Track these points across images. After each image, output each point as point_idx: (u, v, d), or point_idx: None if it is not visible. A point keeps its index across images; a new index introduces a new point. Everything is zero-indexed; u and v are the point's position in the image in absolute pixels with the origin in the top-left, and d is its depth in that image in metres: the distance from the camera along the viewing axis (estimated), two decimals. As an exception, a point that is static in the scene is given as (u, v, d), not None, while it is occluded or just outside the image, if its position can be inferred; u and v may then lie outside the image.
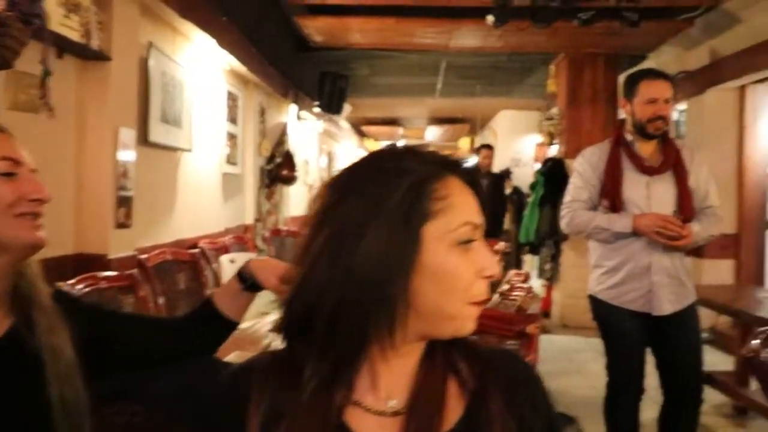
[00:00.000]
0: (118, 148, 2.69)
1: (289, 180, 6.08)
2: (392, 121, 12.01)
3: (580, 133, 5.60)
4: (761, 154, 5.19)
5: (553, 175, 5.56)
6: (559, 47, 5.29)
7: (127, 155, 2.79)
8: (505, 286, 2.47)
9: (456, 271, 0.68)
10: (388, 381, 0.71)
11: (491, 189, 5.82)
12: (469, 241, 0.69)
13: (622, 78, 6.44)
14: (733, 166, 5.18)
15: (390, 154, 0.75)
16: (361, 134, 13.74)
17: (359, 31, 4.96)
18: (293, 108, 6.54)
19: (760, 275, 5.20)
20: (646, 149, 2.37)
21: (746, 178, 5.19)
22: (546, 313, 6.21)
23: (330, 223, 0.68)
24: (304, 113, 7.01)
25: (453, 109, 9.94)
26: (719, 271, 5.16)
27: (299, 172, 7.72)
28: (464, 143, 15.69)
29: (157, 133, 3.29)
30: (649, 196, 2.32)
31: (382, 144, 15.21)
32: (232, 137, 4.97)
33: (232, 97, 4.89)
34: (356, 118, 11.58)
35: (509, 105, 9.30)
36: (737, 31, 4.78)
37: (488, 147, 6.23)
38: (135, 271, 2.64)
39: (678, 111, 6.11)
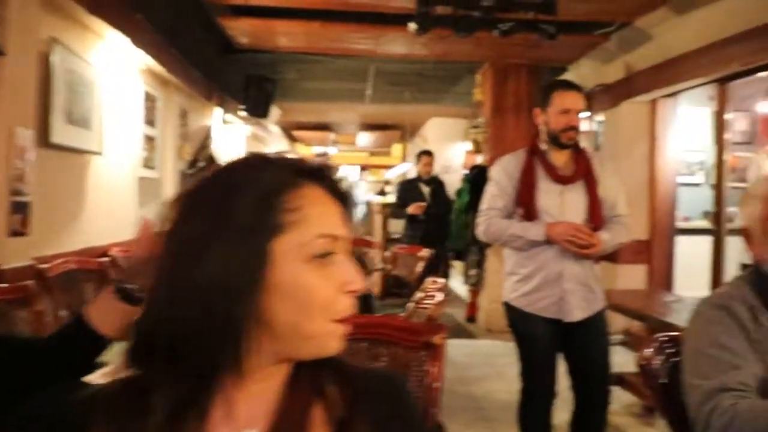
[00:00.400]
0: (12, 149, 2.50)
1: (213, 185, 5.90)
2: (324, 127, 11.94)
3: (504, 141, 5.72)
4: (670, 164, 5.46)
5: (479, 182, 5.63)
6: (484, 57, 5.39)
7: (24, 157, 2.61)
8: (420, 294, 2.46)
9: (312, 288, 0.64)
10: (246, 408, 0.65)
11: (433, 195, 5.92)
12: (326, 255, 0.65)
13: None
14: (645, 176, 5.43)
15: (242, 164, 0.70)
16: (293, 139, 13.59)
17: (285, 35, 4.89)
18: (218, 111, 6.37)
19: (670, 279, 5.46)
20: (560, 159, 2.43)
21: (657, 187, 5.44)
22: (471, 318, 6.30)
23: (173, 241, 0.64)
24: (230, 117, 6.84)
25: (384, 115, 9.99)
26: (633, 276, 5.38)
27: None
28: (396, 150, 15.81)
29: (61, 134, 3.10)
30: (562, 204, 2.38)
31: (314, 149, 15.15)
32: (149, 140, 4.77)
33: (150, 99, 4.70)
34: (287, 123, 11.45)
35: (439, 113, 9.42)
36: (649, 48, 5.01)
37: (428, 153, 6.23)
38: (31, 282, 2.46)
39: (596, 122, 6.36)
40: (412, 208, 5.45)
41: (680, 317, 2.77)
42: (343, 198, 0.69)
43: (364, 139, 12.41)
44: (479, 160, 6.49)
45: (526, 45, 3.95)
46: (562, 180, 2.38)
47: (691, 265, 5.92)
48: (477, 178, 5.67)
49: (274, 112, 9.18)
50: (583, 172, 2.39)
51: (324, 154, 15.02)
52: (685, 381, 1.26)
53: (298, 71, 6.69)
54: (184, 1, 4.71)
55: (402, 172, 12.30)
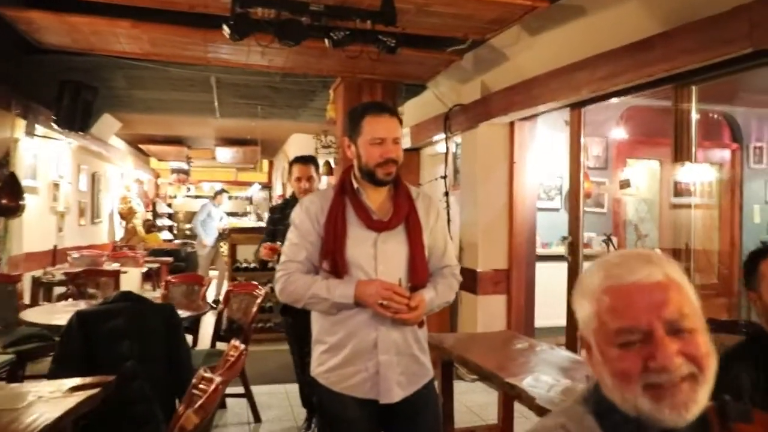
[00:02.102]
0: None
1: (11, 211, 4.89)
2: (177, 141, 10.91)
3: (358, 163, 5.23)
4: (529, 188, 5.25)
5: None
6: (331, 70, 4.88)
7: None
8: (204, 376, 1.85)
9: None
10: None
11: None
12: None
13: (403, 107, 6.29)
14: (504, 200, 5.17)
15: None
16: (143, 153, 12.37)
17: (93, 33, 4.06)
18: (22, 123, 5.33)
19: (531, 309, 5.22)
20: (376, 198, 1.94)
21: (516, 213, 5.19)
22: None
23: None
24: (43, 129, 5.80)
25: (240, 130, 9.21)
26: (492, 307, 5.08)
27: (41, 197, 6.44)
28: (264, 166, 15.00)
29: None
30: (377, 256, 1.88)
31: (168, 164, 13.94)
32: None
33: None
34: (132, 136, 10.31)
35: (299, 129, 8.83)
36: (505, 68, 4.76)
37: (305, 161, 5.41)
38: None
39: (454, 144, 6.08)
40: (264, 251, 3.56)
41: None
42: None
43: (225, 154, 11.52)
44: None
45: (373, 59, 3.49)
46: (378, 226, 1.90)
47: (552, 294, 5.77)
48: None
49: (109, 123, 8.12)
50: (403, 214, 1.93)
51: (183, 171, 13.89)
52: None
53: (126, 78, 5.80)
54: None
55: (259, 194, 11.25)
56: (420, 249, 1.91)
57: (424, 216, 1.97)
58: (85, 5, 3.72)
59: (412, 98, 6.21)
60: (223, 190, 9.28)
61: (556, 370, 2.59)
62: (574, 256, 4.38)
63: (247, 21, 2.97)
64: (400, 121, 1.93)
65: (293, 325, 3.57)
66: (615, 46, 3.47)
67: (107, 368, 2.93)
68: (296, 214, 1.97)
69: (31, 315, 3.72)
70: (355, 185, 1.92)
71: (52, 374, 2.83)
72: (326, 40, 3.13)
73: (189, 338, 4.25)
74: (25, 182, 5.78)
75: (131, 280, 5.57)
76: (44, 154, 6.45)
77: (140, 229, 10.52)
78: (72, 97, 5.28)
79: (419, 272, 1.91)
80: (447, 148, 5.67)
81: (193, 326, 4.22)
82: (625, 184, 6.40)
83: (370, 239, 1.88)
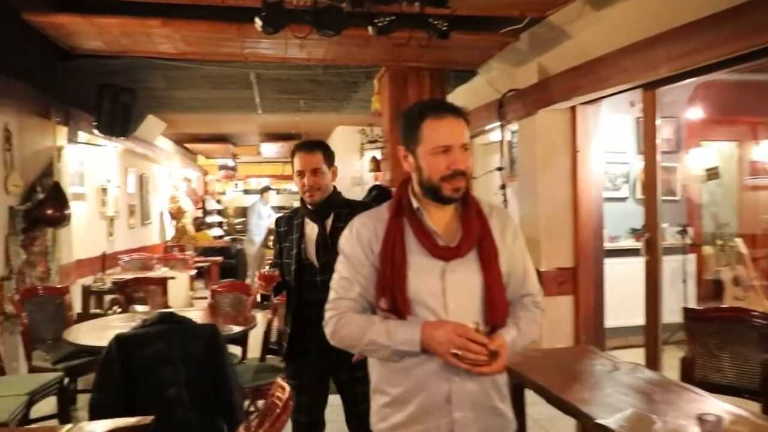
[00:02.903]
0: None
1: (56, 221, 4.79)
2: (221, 138, 10.81)
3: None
4: (594, 178, 4.82)
5: (380, 204, 4.81)
6: (376, 60, 4.56)
7: None
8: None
9: None
10: None
11: (324, 237, 4.65)
12: None
13: (452, 95, 5.91)
14: (567, 193, 4.76)
15: None
16: (190, 152, 12.36)
17: (124, 35, 3.86)
18: (63, 130, 5.23)
19: (600, 310, 4.81)
20: (440, 219, 1.61)
21: (581, 205, 4.78)
22: None
23: None
24: (87, 135, 5.70)
25: (284, 124, 9.01)
26: (558, 309, 4.70)
27: (89, 203, 6.39)
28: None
29: None
30: (446, 290, 1.55)
31: (216, 161, 13.93)
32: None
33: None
34: (178, 135, 10.26)
35: (344, 121, 8.55)
36: (565, 48, 4.34)
37: (309, 148, 5.09)
38: None
39: (510, 132, 5.68)
40: (258, 282, 2.60)
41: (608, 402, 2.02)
42: None
43: (270, 149, 11.38)
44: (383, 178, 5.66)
45: (420, 45, 3.15)
46: (445, 253, 1.57)
47: (621, 292, 5.33)
48: (377, 203, 4.83)
49: (154, 124, 8.04)
50: (475, 237, 1.59)
51: (230, 168, 13.86)
52: None
53: (165, 79, 5.64)
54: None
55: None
56: (497, 278, 1.58)
57: (500, 236, 1.63)
58: (113, 6, 3.52)
59: (461, 85, 5.83)
60: (268, 188, 9.12)
61: (645, 400, 2.23)
62: (652, 254, 3.95)
63: (281, 11, 2.69)
64: (468, 122, 1.59)
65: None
66: (698, 16, 3.02)
67: (149, 396, 2.75)
68: (345, 241, 1.65)
69: (75, 333, 3.57)
70: (415, 204, 1.59)
71: (93, 403, 2.65)
72: (369, 28, 2.81)
73: (237, 350, 4.08)
74: (72, 189, 5.71)
75: (180, 287, 5.43)
76: (90, 159, 6.39)
77: (190, 228, 10.51)
78: (111, 100, 5.14)
79: (498, 308, 1.57)
80: (502, 137, 5.29)
81: (242, 338, 4.02)
82: (713, 174, 5.85)
83: (436, 270, 1.55)
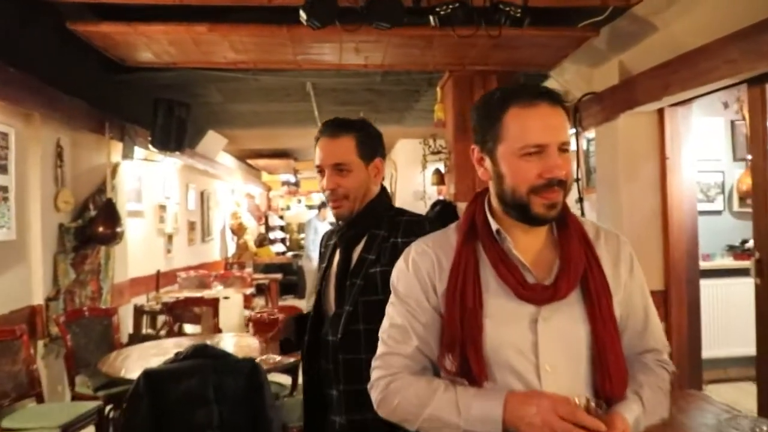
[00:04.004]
0: None
1: (108, 238, 4.65)
2: (283, 153, 10.71)
3: (473, 169, 4.44)
4: (687, 189, 4.26)
5: (442, 223, 4.41)
6: (439, 64, 4.18)
7: None
8: None
9: None
10: None
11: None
12: None
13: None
14: (655, 206, 4.21)
15: None
16: (252, 168, 12.35)
17: (171, 44, 3.66)
18: (118, 145, 5.13)
19: (697, 339, 4.21)
20: (529, 246, 1.19)
21: (672, 219, 4.21)
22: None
23: None
24: (144, 151, 5.60)
25: (344, 138, 8.75)
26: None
27: (147, 220, 6.30)
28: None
29: None
30: (539, 347, 1.12)
31: (279, 177, 13.91)
32: (-3, 191, 3.54)
33: (-3, 138, 3.48)
34: (240, 151, 10.22)
35: (405, 134, 8.21)
36: (652, 42, 3.83)
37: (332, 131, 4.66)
38: None
39: (586, 139, 5.16)
40: (252, 328, 1.89)
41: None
42: None
43: (332, 164, 11.18)
44: (447, 192, 5.26)
45: (490, 44, 2.77)
46: (538, 294, 1.14)
47: (718, 318, 4.71)
48: (441, 219, 4.43)
49: (215, 140, 7.96)
50: (579, 272, 1.16)
51: (293, 183, 13.80)
52: None
53: (220, 92, 5.47)
54: (29, 7, 3.50)
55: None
56: (611, 329, 1.14)
57: (612, 270, 1.20)
58: (159, 12, 3.32)
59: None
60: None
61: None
62: (764, 276, 3.36)
63: (328, 3, 2.36)
64: (567, 114, 1.17)
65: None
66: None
67: (182, 439, 2.47)
68: (398, 275, 1.25)
69: (115, 359, 3.36)
70: (494, 225, 1.18)
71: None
72: (431, 18, 2.44)
73: (288, 380, 3.76)
74: (129, 206, 5.63)
75: (233, 308, 5.20)
76: (148, 176, 6.32)
77: (251, 245, 10.41)
78: (165, 115, 5.00)
79: (613, 372, 1.12)
80: (578, 146, 4.79)
81: (293, 367, 3.69)
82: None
83: (525, 317, 1.13)
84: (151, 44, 3.65)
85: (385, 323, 1.24)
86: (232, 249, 10.57)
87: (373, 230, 1.64)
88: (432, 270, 1.20)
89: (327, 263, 1.73)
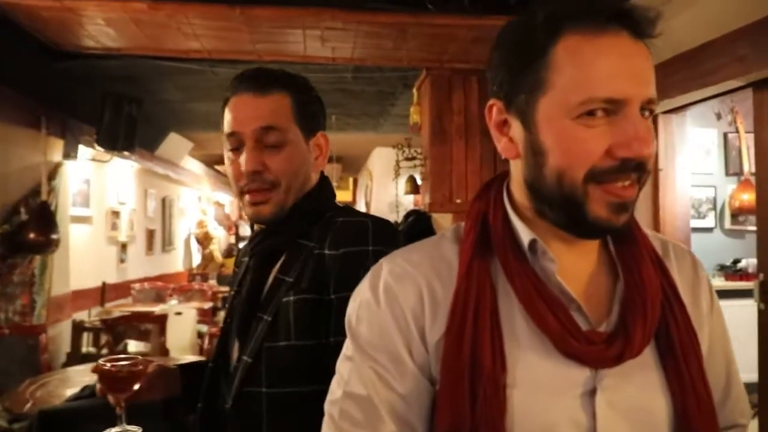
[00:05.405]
0: None
1: (41, 246, 4.15)
2: (253, 160, 10.20)
3: (450, 177, 4.11)
4: (681, 203, 3.93)
5: (415, 235, 4.00)
6: (414, 60, 3.79)
7: None
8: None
9: None
10: None
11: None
12: None
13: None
14: (647, 220, 3.87)
15: None
16: (222, 174, 11.84)
17: (110, 24, 3.22)
18: (59, 143, 4.63)
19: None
20: (576, 269, 0.74)
21: (665, 235, 3.86)
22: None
23: None
24: (89, 151, 5.12)
25: (317, 145, 8.34)
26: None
27: (96, 226, 5.78)
28: (349, 185, 14.21)
29: None
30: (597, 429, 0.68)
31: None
32: None
33: None
34: (208, 156, 9.72)
35: (382, 141, 7.83)
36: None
37: None
38: None
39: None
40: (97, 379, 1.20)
41: None
42: None
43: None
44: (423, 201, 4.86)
45: (471, 37, 2.39)
46: (598, 351, 0.69)
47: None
48: (413, 230, 4.03)
49: (179, 143, 7.47)
50: (656, 312, 0.72)
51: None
52: None
53: (178, 89, 5.02)
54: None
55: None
56: (706, 404, 0.72)
57: (692, 307, 0.78)
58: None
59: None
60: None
61: None
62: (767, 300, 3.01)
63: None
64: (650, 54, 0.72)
65: None
66: None
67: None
68: (359, 308, 0.77)
69: (32, 388, 2.87)
70: (525, 232, 0.74)
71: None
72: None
73: None
74: (73, 211, 5.13)
75: (186, 324, 4.71)
76: (99, 178, 5.82)
77: (217, 255, 9.90)
78: (113, 111, 4.53)
79: None
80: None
81: None
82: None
83: (575, 388, 0.70)
84: (86, 24, 3.20)
85: (336, 391, 0.75)
86: (198, 259, 10.04)
87: (301, 240, 1.10)
88: (419, 305, 0.73)
89: (237, 290, 1.19)
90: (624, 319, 0.70)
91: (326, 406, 0.75)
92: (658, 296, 0.73)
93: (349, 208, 1.19)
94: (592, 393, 0.69)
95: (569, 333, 0.68)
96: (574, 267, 0.74)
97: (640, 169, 0.68)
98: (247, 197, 1.12)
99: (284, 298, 1.05)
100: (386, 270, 0.76)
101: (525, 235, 0.73)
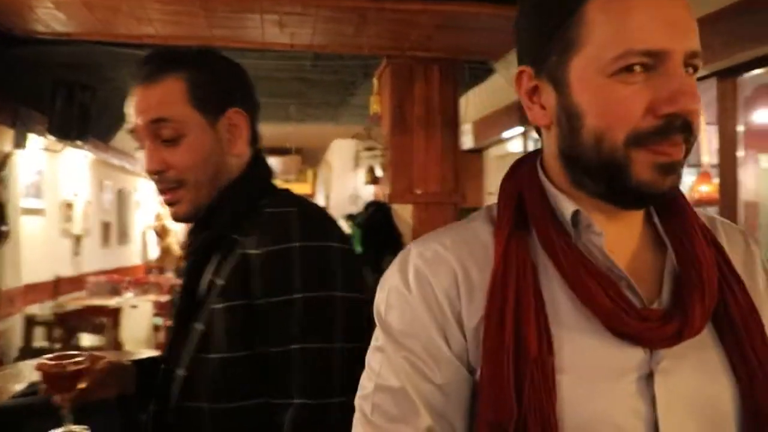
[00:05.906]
0: None
1: (-11, 238, 4.01)
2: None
3: (410, 167, 4.12)
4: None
5: (375, 227, 4.02)
6: (374, 47, 3.78)
7: None
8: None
9: None
10: None
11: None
12: None
13: (465, 97, 5.13)
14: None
15: None
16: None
17: (59, 7, 3.11)
18: (11, 132, 4.47)
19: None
20: (620, 242, 0.70)
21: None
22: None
23: None
24: (40, 140, 4.95)
25: (276, 137, 8.26)
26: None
27: (49, 219, 5.61)
28: (309, 177, 14.11)
29: None
30: (658, 419, 0.63)
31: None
32: None
33: None
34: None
35: (341, 133, 7.81)
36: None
37: None
38: None
39: (533, 140, 4.88)
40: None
41: None
42: None
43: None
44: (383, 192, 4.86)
45: (433, 24, 2.40)
46: (654, 329, 0.64)
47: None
48: (373, 222, 4.04)
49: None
50: (713, 287, 0.67)
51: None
52: None
53: (134, 77, 4.88)
54: None
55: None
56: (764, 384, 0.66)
57: (748, 279, 0.72)
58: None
59: (477, 85, 5.06)
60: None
61: None
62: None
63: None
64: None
65: None
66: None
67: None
68: (388, 297, 0.71)
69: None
70: (567, 203, 0.69)
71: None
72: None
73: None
74: (24, 203, 4.96)
75: (141, 318, 4.62)
76: (52, 169, 5.64)
77: (175, 248, 9.71)
78: (65, 99, 4.39)
79: None
80: (524, 147, 4.50)
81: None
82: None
83: (631, 372, 0.64)
84: (35, 7, 3.09)
85: (367, 385, 0.70)
86: (156, 252, 9.85)
87: (235, 234, 0.99)
88: (453, 288, 0.68)
89: (178, 291, 1.10)
90: (679, 296, 0.66)
91: (357, 402, 0.70)
92: (714, 270, 0.68)
93: (284, 194, 1.08)
94: (650, 376, 0.64)
95: (623, 310, 0.63)
96: (617, 241, 0.69)
97: (687, 130, 0.62)
98: (161, 198, 1.05)
99: (214, 305, 0.96)
100: (415, 253, 0.71)
101: (567, 207, 0.68)
